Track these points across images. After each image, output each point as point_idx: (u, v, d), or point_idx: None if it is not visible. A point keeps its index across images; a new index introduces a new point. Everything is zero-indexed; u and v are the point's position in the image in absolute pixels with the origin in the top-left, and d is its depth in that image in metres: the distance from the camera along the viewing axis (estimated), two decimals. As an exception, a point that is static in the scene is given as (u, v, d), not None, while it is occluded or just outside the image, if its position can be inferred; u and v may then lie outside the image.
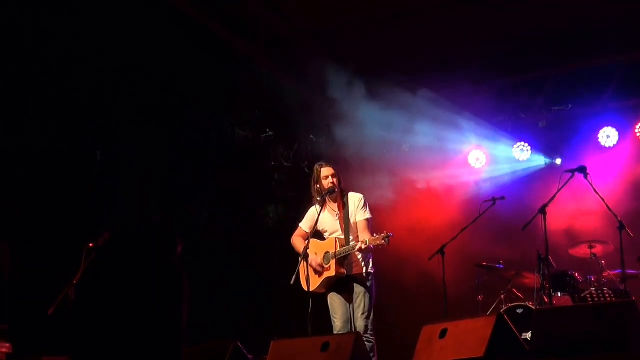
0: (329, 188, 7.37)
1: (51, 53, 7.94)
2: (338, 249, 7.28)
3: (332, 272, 7.26)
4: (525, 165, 10.88)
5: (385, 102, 9.82)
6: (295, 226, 7.74)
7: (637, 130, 10.25)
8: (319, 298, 7.42)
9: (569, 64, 10.24)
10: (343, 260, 7.27)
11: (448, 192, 10.87)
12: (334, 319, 7.38)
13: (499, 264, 9.12)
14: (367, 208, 7.42)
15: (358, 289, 7.28)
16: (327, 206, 7.48)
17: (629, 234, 7.53)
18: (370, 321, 7.22)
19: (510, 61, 10.21)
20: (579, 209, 9.83)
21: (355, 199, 7.43)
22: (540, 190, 9.40)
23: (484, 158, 10.93)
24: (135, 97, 8.70)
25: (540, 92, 10.66)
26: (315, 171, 7.50)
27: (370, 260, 7.37)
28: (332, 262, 7.27)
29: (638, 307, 5.67)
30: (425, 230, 10.14)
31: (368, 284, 7.29)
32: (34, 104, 8.14)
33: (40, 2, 7.73)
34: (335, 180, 7.41)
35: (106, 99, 8.53)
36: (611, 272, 8.66)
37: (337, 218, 7.45)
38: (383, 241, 6.95)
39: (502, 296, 8.98)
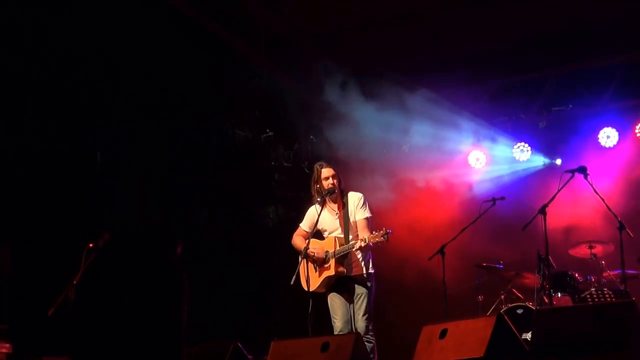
0: (328, 189, 7.38)
1: (51, 53, 7.94)
2: (337, 247, 7.28)
3: (331, 271, 7.26)
4: (525, 166, 10.88)
5: (385, 102, 9.82)
6: (295, 226, 7.75)
7: (637, 131, 10.24)
8: (319, 298, 7.43)
9: (569, 64, 10.23)
10: (342, 259, 7.28)
11: (448, 192, 10.86)
12: (334, 320, 7.38)
13: (499, 264, 9.12)
14: (367, 207, 7.42)
15: (359, 290, 7.28)
16: (327, 205, 7.49)
17: (629, 234, 7.54)
18: (370, 322, 7.23)
19: (510, 61, 10.20)
20: (579, 210, 9.82)
21: (354, 198, 7.43)
22: (540, 191, 9.40)
23: (484, 158, 10.93)
24: (135, 97, 8.70)
25: (540, 93, 10.65)
26: (316, 171, 7.51)
27: (370, 261, 7.37)
28: (332, 261, 7.27)
29: (638, 307, 5.68)
30: (425, 231, 10.14)
31: (368, 284, 7.29)
32: (34, 104, 8.14)
33: (40, 2, 7.72)
34: (335, 181, 7.41)
35: (106, 99, 8.53)
36: (611, 273, 8.66)
37: (336, 217, 7.46)
38: (382, 238, 6.95)
39: (502, 296, 8.98)
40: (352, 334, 6.76)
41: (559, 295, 8.48)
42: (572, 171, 7.61)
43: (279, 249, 8.38)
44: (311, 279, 7.22)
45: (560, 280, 8.53)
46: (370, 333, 7.19)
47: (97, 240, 5.64)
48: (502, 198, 8.39)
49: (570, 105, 10.56)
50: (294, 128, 10.73)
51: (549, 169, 10.66)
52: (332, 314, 7.41)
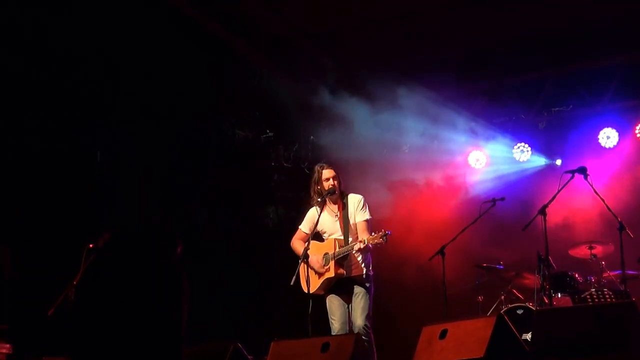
0: (329, 189, 7.37)
1: (51, 53, 7.94)
2: (337, 249, 7.27)
3: (331, 273, 7.25)
4: (525, 166, 10.87)
5: (385, 103, 9.82)
6: (295, 227, 7.74)
7: (637, 131, 10.24)
8: (319, 299, 7.42)
9: (569, 64, 10.23)
10: (342, 261, 7.27)
11: (448, 192, 10.86)
12: (332, 321, 7.37)
13: (499, 264, 9.12)
14: (367, 209, 7.41)
15: (357, 289, 7.27)
16: (327, 207, 7.47)
17: (629, 234, 7.54)
18: (369, 321, 7.20)
19: (510, 61, 10.20)
20: (579, 210, 9.83)
21: (354, 200, 7.42)
22: (540, 191, 9.40)
23: (484, 158, 10.93)
24: (135, 97, 8.70)
25: (540, 93, 10.65)
26: (317, 172, 7.50)
27: (370, 262, 7.37)
28: (331, 263, 7.26)
29: (638, 307, 5.68)
30: (425, 231, 10.13)
31: (367, 284, 7.28)
32: (34, 104, 8.14)
33: (40, 2, 7.72)
34: (335, 182, 7.40)
35: (106, 99, 8.53)
36: (611, 273, 8.66)
37: (336, 219, 7.45)
38: (381, 239, 6.95)
39: (502, 297, 8.98)
40: (352, 334, 6.75)
41: (559, 295, 8.48)
42: (572, 172, 7.61)
43: (279, 249, 8.37)
44: (311, 281, 7.21)
45: (560, 280, 8.53)
46: (367, 332, 7.17)
47: (97, 241, 5.65)
48: (502, 199, 8.39)
49: (570, 106, 10.56)
50: (294, 128, 10.73)
51: (549, 169, 10.66)
52: (330, 315, 7.40)
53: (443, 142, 10.68)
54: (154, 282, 3.94)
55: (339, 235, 7.39)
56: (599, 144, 10.33)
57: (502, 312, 7.90)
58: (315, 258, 7.31)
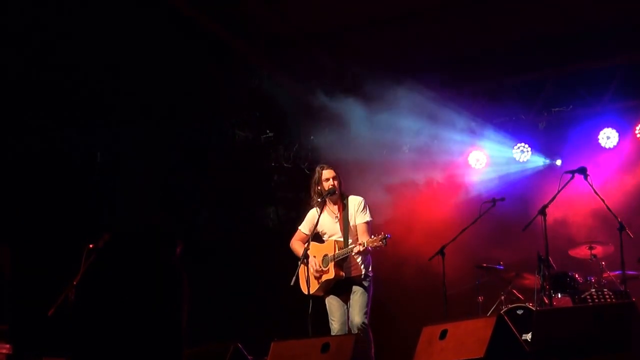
0: (329, 189, 7.37)
1: (51, 53, 7.94)
2: (336, 251, 7.27)
3: (330, 275, 7.25)
4: (525, 166, 10.87)
5: (384, 103, 9.82)
6: (295, 227, 7.73)
7: (637, 132, 10.24)
8: (319, 299, 7.42)
9: (569, 65, 10.23)
10: (342, 262, 7.26)
11: (448, 193, 10.86)
12: (332, 321, 7.37)
13: (499, 265, 9.12)
14: (368, 211, 7.40)
15: (355, 288, 7.27)
16: (327, 208, 7.47)
17: (629, 235, 7.53)
18: (366, 319, 7.19)
19: (510, 61, 10.21)
20: (579, 210, 9.83)
21: (355, 202, 7.41)
22: (541, 191, 9.39)
23: (484, 159, 10.93)
24: (135, 97, 8.70)
25: (540, 93, 10.65)
26: (317, 173, 7.50)
27: (370, 263, 7.36)
28: (331, 265, 7.25)
29: (638, 308, 5.67)
30: (425, 231, 10.13)
31: (366, 284, 7.27)
32: (34, 104, 8.13)
33: (40, 3, 7.72)
34: (335, 182, 7.40)
35: (106, 99, 8.53)
36: (611, 273, 8.66)
37: (336, 220, 7.44)
38: (381, 242, 6.95)
39: (502, 297, 8.98)
40: (353, 335, 6.75)
41: (559, 296, 8.48)
42: (573, 172, 7.61)
43: (279, 249, 8.37)
44: (310, 282, 7.21)
45: (560, 281, 8.53)
46: (366, 330, 7.16)
47: (97, 241, 5.65)
48: (502, 199, 8.39)
49: (570, 106, 10.56)
50: (294, 129, 10.72)
51: (549, 169, 10.66)
52: (330, 316, 7.40)
53: (443, 142, 10.67)
54: (153, 283, 3.94)
55: (338, 236, 7.38)
56: (599, 144, 10.33)
57: (502, 312, 7.90)
58: (314, 261, 7.30)
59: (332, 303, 7.38)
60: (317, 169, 7.54)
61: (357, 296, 7.23)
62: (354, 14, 9.38)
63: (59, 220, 8.11)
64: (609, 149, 10.32)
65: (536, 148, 10.79)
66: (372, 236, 7.08)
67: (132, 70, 8.50)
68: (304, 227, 7.60)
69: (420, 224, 10.39)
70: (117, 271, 3.93)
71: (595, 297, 8.43)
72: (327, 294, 7.38)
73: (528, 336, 6.96)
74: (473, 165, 10.98)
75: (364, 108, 9.79)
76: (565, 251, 9.25)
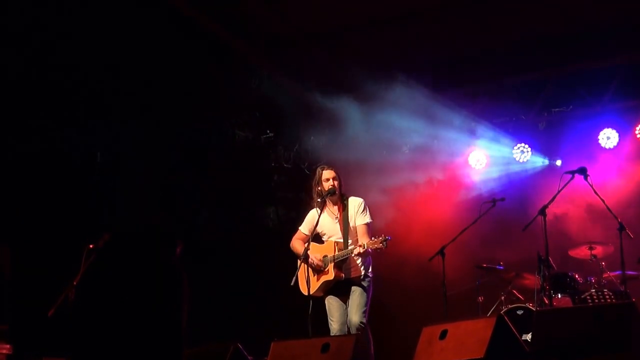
0: (329, 189, 7.37)
1: (51, 53, 7.94)
2: (336, 252, 7.27)
3: (330, 276, 7.25)
4: (525, 167, 10.88)
5: (385, 103, 9.81)
6: (295, 227, 7.74)
7: (637, 132, 10.24)
8: (319, 299, 7.42)
9: (569, 65, 10.23)
10: (341, 263, 7.26)
11: (448, 193, 10.87)
12: (331, 322, 7.36)
13: (499, 265, 9.12)
14: (368, 212, 7.40)
15: (354, 288, 7.27)
16: (327, 209, 7.47)
17: (629, 235, 7.54)
18: (365, 318, 7.18)
19: (510, 62, 10.21)
20: (579, 210, 9.83)
21: (355, 203, 7.41)
22: (541, 192, 9.40)
23: (484, 159, 10.93)
24: (135, 97, 8.70)
25: (540, 93, 10.65)
26: (317, 173, 7.50)
27: (370, 264, 7.36)
28: (331, 266, 7.26)
29: (638, 308, 5.68)
30: (425, 231, 10.13)
31: (365, 284, 7.27)
32: (34, 104, 8.13)
33: (40, 3, 7.72)
34: (336, 182, 7.40)
35: (106, 99, 8.52)
36: (611, 274, 8.66)
37: (336, 221, 7.44)
38: (381, 245, 6.96)
39: (502, 297, 8.98)
40: (353, 335, 6.75)
41: (559, 296, 8.49)
42: (573, 172, 7.61)
43: (279, 249, 8.37)
44: (310, 282, 7.21)
45: (560, 281, 8.53)
46: (365, 329, 7.15)
47: (97, 241, 5.64)
48: (502, 199, 8.39)
49: (571, 106, 10.56)
50: (294, 129, 10.72)
51: (549, 169, 10.66)
52: (329, 316, 7.40)
53: (443, 142, 10.68)
54: (153, 283, 3.94)
55: (338, 237, 7.38)
56: (599, 144, 10.33)
57: (502, 312, 7.90)
58: (314, 256, 7.29)
59: (332, 303, 7.37)
60: (317, 169, 7.54)
61: (356, 296, 7.23)
62: (353, 14, 9.38)
63: (59, 221, 8.11)
64: (609, 149, 10.32)
65: (536, 148, 10.79)
66: (373, 238, 7.08)
67: (132, 70, 8.50)
68: (304, 227, 7.60)
69: (420, 224, 10.39)
70: (117, 271, 3.93)
71: (595, 297, 8.43)
72: (327, 294, 7.38)
73: (528, 336, 6.97)
74: (473, 166, 10.98)
75: (364, 108, 9.79)
76: (565, 251, 9.25)
